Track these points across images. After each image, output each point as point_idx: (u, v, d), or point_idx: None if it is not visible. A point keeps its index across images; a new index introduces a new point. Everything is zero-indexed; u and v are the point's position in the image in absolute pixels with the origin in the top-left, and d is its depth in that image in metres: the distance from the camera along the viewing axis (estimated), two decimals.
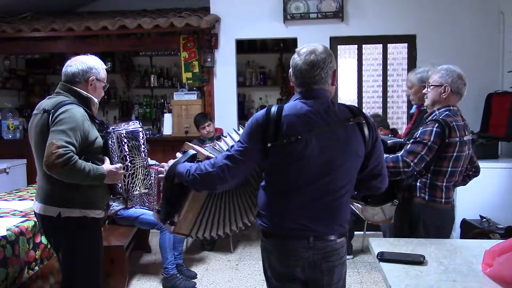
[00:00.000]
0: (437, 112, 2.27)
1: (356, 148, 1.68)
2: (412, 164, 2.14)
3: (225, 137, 1.97)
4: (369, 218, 3.00)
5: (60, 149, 1.94)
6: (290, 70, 1.74)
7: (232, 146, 1.71)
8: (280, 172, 1.67)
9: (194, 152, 1.85)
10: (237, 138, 1.90)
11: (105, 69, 2.33)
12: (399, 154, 2.18)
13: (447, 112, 2.24)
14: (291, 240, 1.69)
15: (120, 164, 2.18)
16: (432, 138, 2.16)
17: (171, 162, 1.83)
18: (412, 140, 2.22)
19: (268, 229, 1.72)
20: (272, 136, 1.62)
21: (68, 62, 2.25)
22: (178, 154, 1.89)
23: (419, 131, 2.22)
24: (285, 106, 1.68)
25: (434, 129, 2.17)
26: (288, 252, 1.70)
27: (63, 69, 2.24)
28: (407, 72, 4.80)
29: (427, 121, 2.28)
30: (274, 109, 1.66)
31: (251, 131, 1.66)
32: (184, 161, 1.80)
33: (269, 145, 1.62)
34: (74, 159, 1.97)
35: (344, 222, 1.74)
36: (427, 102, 2.35)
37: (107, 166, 2.13)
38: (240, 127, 1.97)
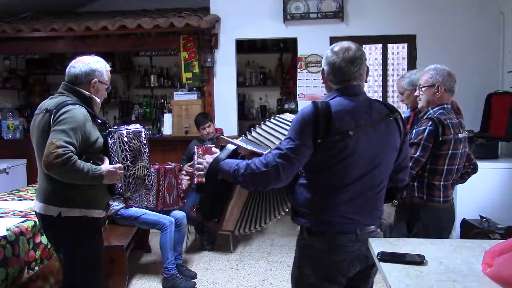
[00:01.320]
0: (431, 111, 2.28)
1: (395, 142, 1.74)
2: None
3: (255, 129, 1.95)
4: (385, 218, 3.02)
5: (59, 149, 1.94)
6: (325, 68, 1.75)
7: (281, 143, 1.66)
8: (329, 169, 1.66)
9: (234, 147, 1.77)
10: (267, 129, 1.90)
11: (109, 71, 2.32)
12: None
13: (441, 111, 2.25)
14: (340, 236, 1.70)
15: (119, 164, 2.18)
16: (424, 137, 2.17)
17: (209, 158, 1.77)
18: None
19: (314, 227, 1.72)
20: (324, 132, 1.61)
21: (72, 63, 2.24)
22: (215, 149, 1.83)
23: (414, 131, 2.24)
24: (331, 102, 1.67)
25: (427, 127, 2.19)
26: (336, 248, 1.70)
27: (67, 69, 2.24)
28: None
29: (421, 119, 2.29)
30: (322, 104, 1.65)
31: (301, 127, 1.63)
32: (225, 158, 1.73)
33: (319, 141, 1.61)
34: (73, 159, 1.96)
35: (381, 214, 1.80)
36: (421, 104, 2.35)
37: (106, 166, 2.13)
38: (267, 121, 1.96)
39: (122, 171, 2.18)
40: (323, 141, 1.61)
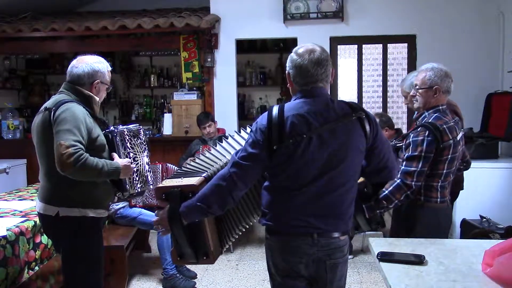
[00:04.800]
0: (426, 114, 2.25)
1: (358, 143, 1.70)
2: (413, 183, 2.13)
3: (200, 156, 1.98)
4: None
5: (70, 149, 1.95)
6: (290, 71, 1.75)
7: (236, 153, 1.71)
8: (284, 172, 1.68)
9: (178, 190, 1.73)
10: (212, 157, 1.92)
11: (110, 71, 2.32)
12: (398, 181, 2.14)
13: (436, 114, 2.21)
14: (295, 237, 1.70)
15: (128, 159, 2.21)
16: (424, 148, 2.13)
17: (162, 213, 1.76)
18: (406, 154, 2.18)
19: (272, 227, 1.74)
20: (277, 138, 1.63)
21: (74, 62, 2.24)
22: (161, 203, 1.79)
23: (411, 139, 2.18)
24: (285, 106, 1.69)
25: (425, 138, 2.14)
26: (292, 249, 1.71)
27: (68, 69, 2.23)
28: (407, 72, 4.82)
29: (417, 124, 2.26)
30: (275, 111, 1.67)
31: (255, 137, 1.67)
32: (180, 204, 1.71)
33: (274, 147, 1.64)
34: (84, 156, 1.98)
35: (347, 219, 1.75)
36: (417, 104, 2.29)
37: (120, 160, 2.16)
38: (238, 132, 1.97)
39: (132, 165, 2.21)
40: (279, 147, 1.63)
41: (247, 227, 1.94)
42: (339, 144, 1.67)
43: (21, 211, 2.87)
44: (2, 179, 4.67)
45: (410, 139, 2.19)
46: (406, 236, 2.18)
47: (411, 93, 2.36)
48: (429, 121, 2.20)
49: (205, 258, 1.80)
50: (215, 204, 1.67)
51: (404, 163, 2.18)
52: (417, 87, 2.27)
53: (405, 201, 2.18)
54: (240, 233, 1.93)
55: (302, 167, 1.66)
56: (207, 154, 1.96)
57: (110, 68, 2.32)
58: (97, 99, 2.25)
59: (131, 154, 2.27)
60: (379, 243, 1.93)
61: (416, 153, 2.14)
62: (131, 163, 2.23)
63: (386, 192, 2.13)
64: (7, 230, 2.39)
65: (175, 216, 1.71)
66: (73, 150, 1.96)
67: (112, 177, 2.12)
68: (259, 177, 1.74)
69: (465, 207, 3.83)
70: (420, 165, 2.13)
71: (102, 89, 2.27)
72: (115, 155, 2.19)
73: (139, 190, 2.33)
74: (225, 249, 1.91)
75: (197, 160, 1.96)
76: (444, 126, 2.16)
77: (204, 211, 1.68)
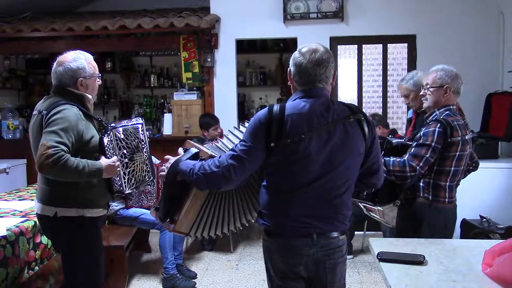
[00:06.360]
0: (437, 112, 2.27)
1: (357, 145, 1.70)
2: (418, 168, 2.15)
3: (227, 135, 1.97)
4: (389, 222, 3.00)
5: (50, 150, 1.93)
6: (291, 69, 1.74)
7: (235, 145, 1.70)
8: (282, 172, 1.68)
9: (196, 150, 1.82)
10: (239, 135, 1.90)
11: (93, 60, 2.26)
12: (405, 158, 2.17)
13: (447, 112, 2.25)
14: (294, 238, 1.70)
15: (115, 157, 2.17)
16: (435, 139, 2.16)
17: (173, 159, 1.81)
18: (415, 142, 2.21)
19: (271, 228, 1.73)
20: (276, 135, 1.62)
21: (54, 67, 2.20)
22: (180, 150, 1.87)
23: (422, 132, 2.21)
24: (286, 105, 1.69)
25: (437, 129, 2.17)
26: (291, 251, 1.70)
27: (51, 74, 2.22)
28: (407, 72, 4.82)
29: (428, 121, 2.28)
30: (276, 108, 1.66)
31: (254, 130, 1.66)
32: (186, 159, 1.77)
33: (272, 144, 1.63)
34: (64, 158, 1.95)
35: (345, 219, 1.76)
36: (427, 103, 2.32)
37: (104, 160, 2.13)
38: (240, 125, 1.97)
39: (118, 163, 2.17)
40: (276, 145, 1.63)
41: (227, 233, 1.94)
42: (339, 146, 1.66)
43: (21, 211, 2.87)
44: (2, 179, 4.67)
45: (421, 133, 2.22)
46: (413, 235, 2.19)
47: (421, 93, 2.37)
48: (441, 117, 2.22)
49: (169, 221, 1.82)
50: (196, 178, 1.68)
51: (413, 149, 2.20)
52: (428, 86, 2.30)
53: (399, 180, 2.19)
54: (213, 237, 1.93)
55: (301, 167, 1.65)
56: (230, 136, 1.96)
57: (90, 58, 2.25)
58: (89, 96, 2.22)
59: (126, 154, 2.23)
60: (379, 243, 1.93)
61: (427, 142, 2.17)
62: (123, 165, 2.19)
63: (390, 158, 2.15)
64: (7, 230, 2.39)
65: (175, 167, 1.75)
66: (53, 151, 1.93)
67: (95, 177, 2.09)
68: (250, 173, 1.73)
69: (465, 207, 3.80)
70: (428, 153, 2.16)
71: (90, 83, 2.22)
72: (101, 157, 2.16)
73: (134, 189, 2.31)
74: (192, 237, 1.89)
75: (219, 143, 1.95)
76: (456, 122, 2.20)
77: (188, 176, 1.69)
